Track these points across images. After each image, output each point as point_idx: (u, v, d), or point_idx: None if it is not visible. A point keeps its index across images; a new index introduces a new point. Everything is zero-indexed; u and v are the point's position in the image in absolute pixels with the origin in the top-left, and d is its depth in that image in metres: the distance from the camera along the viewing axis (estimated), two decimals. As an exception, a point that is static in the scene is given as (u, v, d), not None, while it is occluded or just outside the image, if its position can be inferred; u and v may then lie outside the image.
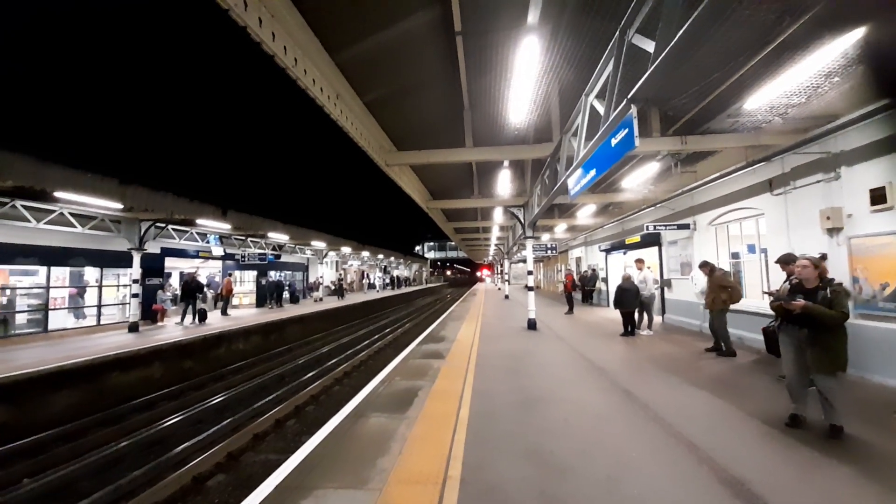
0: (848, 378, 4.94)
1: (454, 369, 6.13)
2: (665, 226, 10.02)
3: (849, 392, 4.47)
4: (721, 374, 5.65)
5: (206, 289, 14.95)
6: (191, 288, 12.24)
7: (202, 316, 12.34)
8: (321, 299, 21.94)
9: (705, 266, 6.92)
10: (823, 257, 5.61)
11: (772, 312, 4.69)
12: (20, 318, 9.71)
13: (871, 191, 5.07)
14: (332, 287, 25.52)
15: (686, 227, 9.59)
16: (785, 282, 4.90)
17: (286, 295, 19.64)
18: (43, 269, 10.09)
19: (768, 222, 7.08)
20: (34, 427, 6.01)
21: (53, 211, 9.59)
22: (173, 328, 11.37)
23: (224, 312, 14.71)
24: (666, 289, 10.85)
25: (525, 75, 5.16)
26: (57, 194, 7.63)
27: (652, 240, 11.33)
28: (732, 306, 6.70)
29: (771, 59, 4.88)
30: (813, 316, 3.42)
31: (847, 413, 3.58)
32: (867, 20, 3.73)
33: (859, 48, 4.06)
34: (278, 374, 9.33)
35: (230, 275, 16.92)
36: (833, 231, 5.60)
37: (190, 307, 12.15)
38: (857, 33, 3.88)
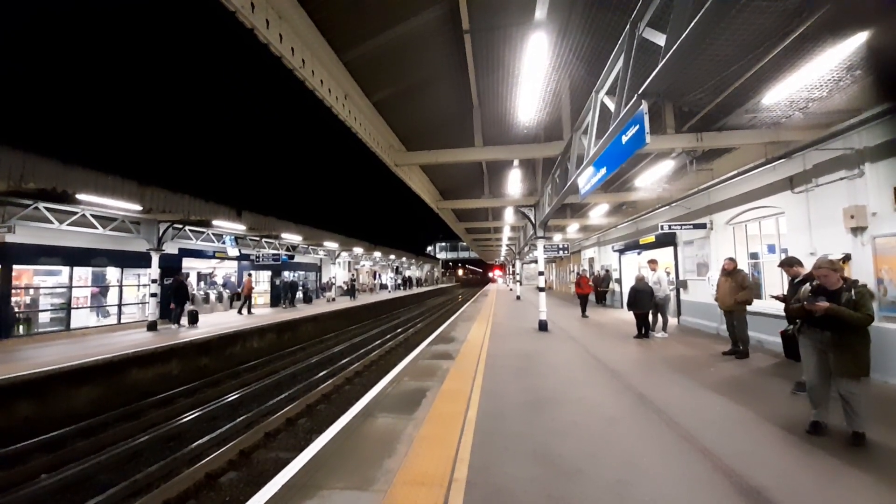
0: (871, 383, 4.75)
1: (463, 370, 6.09)
2: (681, 225, 9.78)
3: (872, 397, 4.28)
4: (738, 378, 5.48)
5: (196, 290, 15.08)
6: (174, 290, 11.79)
7: (192, 318, 11.88)
8: (334, 299, 22.15)
9: (731, 262, 6.71)
10: (847, 258, 5.41)
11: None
12: (43, 317, 10.06)
13: (898, 188, 4.85)
14: (345, 287, 25.73)
15: (702, 226, 9.34)
16: (792, 283, 4.73)
17: (299, 295, 19.86)
18: (65, 269, 10.43)
19: (789, 221, 6.85)
20: (57, 422, 6.21)
21: (75, 213, 9.88)
22: (189, 327, 11.61)
23: (248, 311, 15.09)
24: (682, 290, 10.60)
25: (534, 72, 5.09)
26: (79, 196, 7.86)
27: (667, 240, 11.08)
28: (751, 308, 6.53)
29: (790, 51, 4.72)
30: (837, 318, 3.28)
31: (870, 419, 3.43)
32: (888, 12, 3.56)
33: (881, 40, 3.88)
34: (291, 373, 9.44)
35: (250, 275, 17.22)
36: (857, 230, 5.37)
37: (183, 309, 11.87)
38: (881, 24, 3.71)
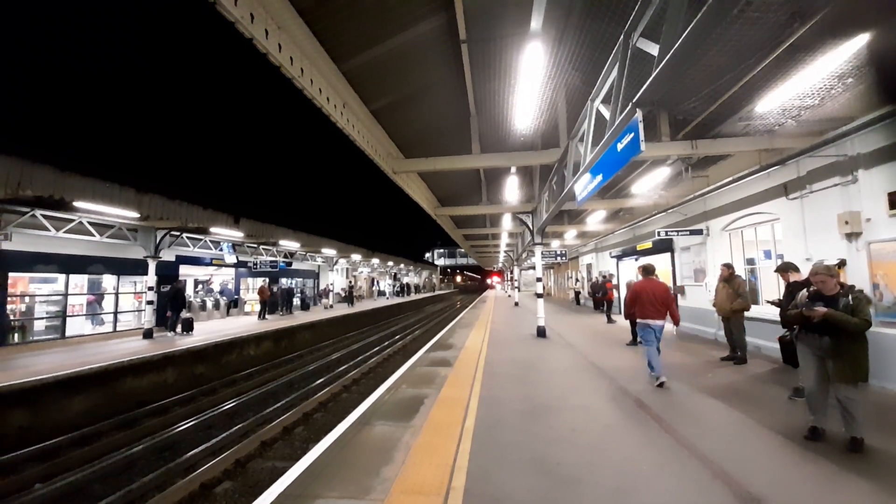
0: (869, 388, 4.76)
1: (461, 377, 6.07)
2: (677, 231, 9.85)
3: (870, 403, 4.29)
4: (736, 384, 5.48)
5: (193, 297, 15.37)
6: (170, 298, 11.78)
7: (187, 326, 11.72)
8: (331, 306, 22.06)
9: (728, 267, 6.74)
10: (842, 263, 5.44)
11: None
12: (38, 325, 9.98)
13: (890, 194, 4.91)
14: (343, 294, 25.65)
15: (699, 232, 9.40)
16: (788, 290, 4.75)
17: (296, 302, 19.78)
18: (62, 277, 10.37)
19: (784, 227, 6.90)
20: (51, 431, 6.14)
21: (72, 220, 9.85)
22: (184, 335, 11.53)
23: (262, 316, 15.90)
24: (679, 296, 10.62)
25: (530, 81, 5.15)
26: (76, 204, 7.85)
27: (664, 246, 11.13)
28: (749, 314, 6.57)
29: (782, 61, 4.79)
30: (835, 324, 3.29)
31: (868, 425, 3.43)
32: (878, 22, 3.64)
33: (872, 49, 3.96)
34: (288, 381, 9.37)
35: (265, 282, 17.34)
36: (852, 236, 5.42)
37: (179, 317, 11.80)
38: (869, 34, 3.79)
